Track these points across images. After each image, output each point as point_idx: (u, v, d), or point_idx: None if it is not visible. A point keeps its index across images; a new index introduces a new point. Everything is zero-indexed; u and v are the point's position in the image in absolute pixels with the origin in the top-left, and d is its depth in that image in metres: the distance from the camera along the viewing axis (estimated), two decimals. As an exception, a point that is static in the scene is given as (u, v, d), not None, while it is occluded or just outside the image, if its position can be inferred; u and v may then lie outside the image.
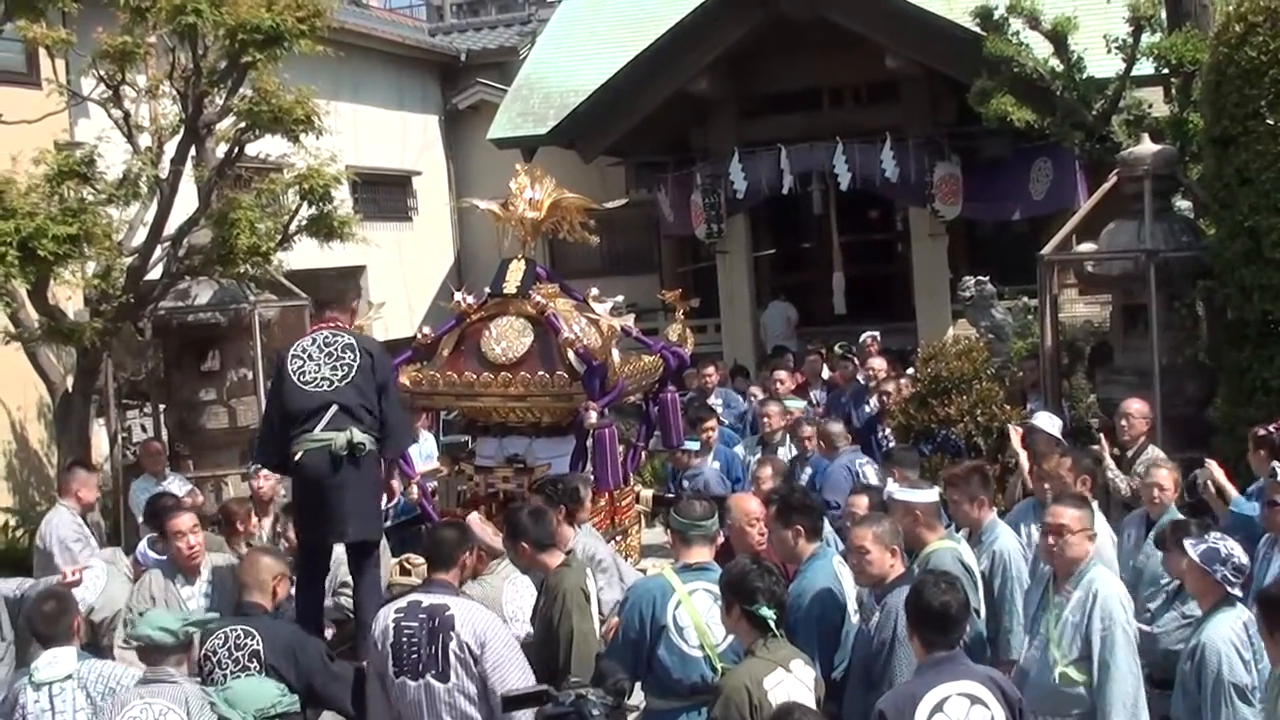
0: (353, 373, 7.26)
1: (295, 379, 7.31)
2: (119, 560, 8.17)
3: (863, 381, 12.88)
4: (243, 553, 7.92)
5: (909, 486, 7.05)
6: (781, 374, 12.96)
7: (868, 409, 12.11)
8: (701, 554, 6.33)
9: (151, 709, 5.46)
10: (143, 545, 8.12)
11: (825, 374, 14.39)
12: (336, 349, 7.32)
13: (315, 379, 7.27)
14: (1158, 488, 7.70)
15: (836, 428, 10.15)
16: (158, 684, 5.60)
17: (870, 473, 9.78)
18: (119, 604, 7.56)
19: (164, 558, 7.65)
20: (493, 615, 5.95)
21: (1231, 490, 8.26)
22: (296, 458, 7.26)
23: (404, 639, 5.75)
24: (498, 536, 7.13)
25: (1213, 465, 8.36)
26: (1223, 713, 5.75)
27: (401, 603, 5.92)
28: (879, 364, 12.85)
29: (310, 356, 7.32)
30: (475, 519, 7.69)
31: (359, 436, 7.16)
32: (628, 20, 20.37)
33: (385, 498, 8.21)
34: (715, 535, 6.47)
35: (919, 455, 9.72)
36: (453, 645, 5.67)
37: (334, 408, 7.20)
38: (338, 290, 7.84)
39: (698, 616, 6.07)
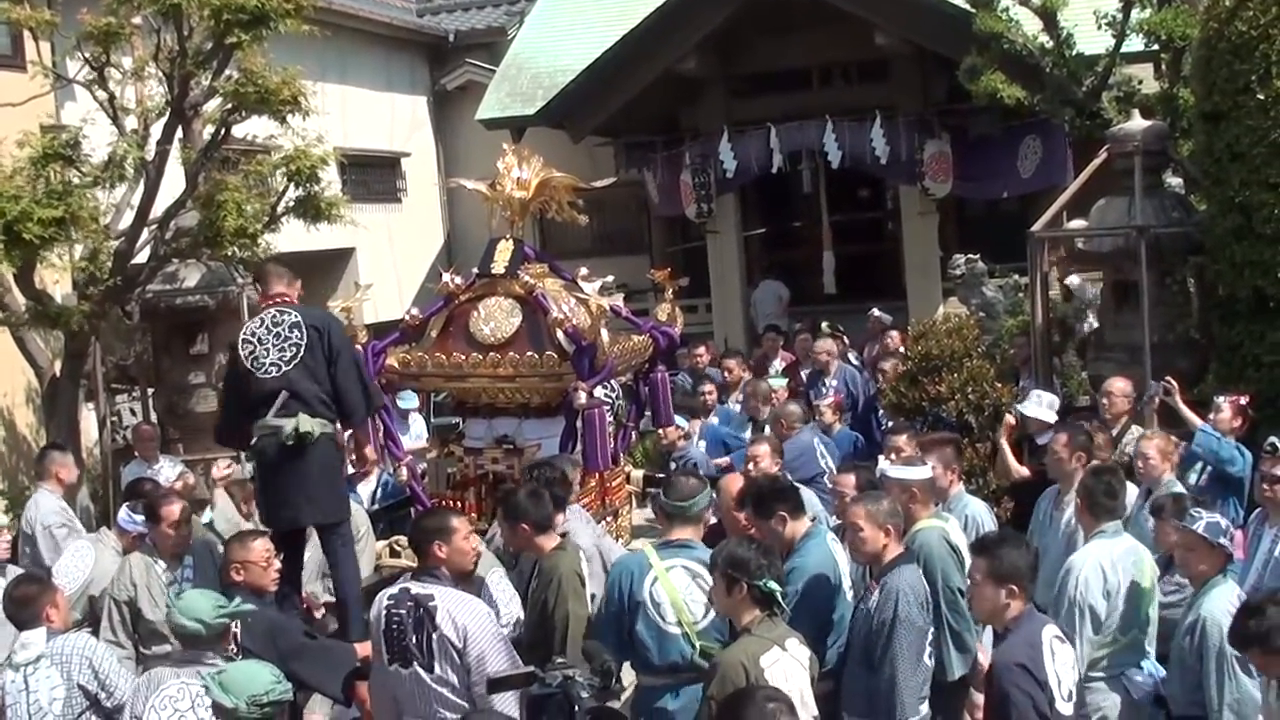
0: (300, 353, 7.19)
1: (247, 365, 7.28)
2: (106, 537, 8.16)
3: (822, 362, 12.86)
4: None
5: (903, 463, 7.06)
6: (731, 362, 12.93)
7: (824, 389, 12.11)
8: (684, 532, 6.29)
9: (189, 689, 5.44)
10: (123, 512, 8.11)
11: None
12: (284, 329, 7.24)
13: (265, 364, 7.23)
14: (1142, 457, 7.81)
15: (795, 408, 10.21)
16: (195, 665, 5.54)
17: (825, 452, 9.86)
18: (109, 577, 7.57)
19: (143, 526, 7.69)
20: (477, 606, 5.88)
21: (1190, 414, 8.72)
22: (254, 443, 7.30)
23: (394, 627, 5.74)
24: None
25: (1174, 385, 8.89)
26: (1226, 685, 5.80)
27: (394, 589, 5.91)
28: (824, 345, 12.82)
29: (260, 340, 7.27)
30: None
31: (305, 425, 7.14)
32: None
33: (358, 464, 8.15)
34: (700, 515, 6.41)
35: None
36: (436, 637, 5.66)
37: (284, 394, 7.18)
38: (280, 269, 7.71)
39: (675, 593, 6.06)
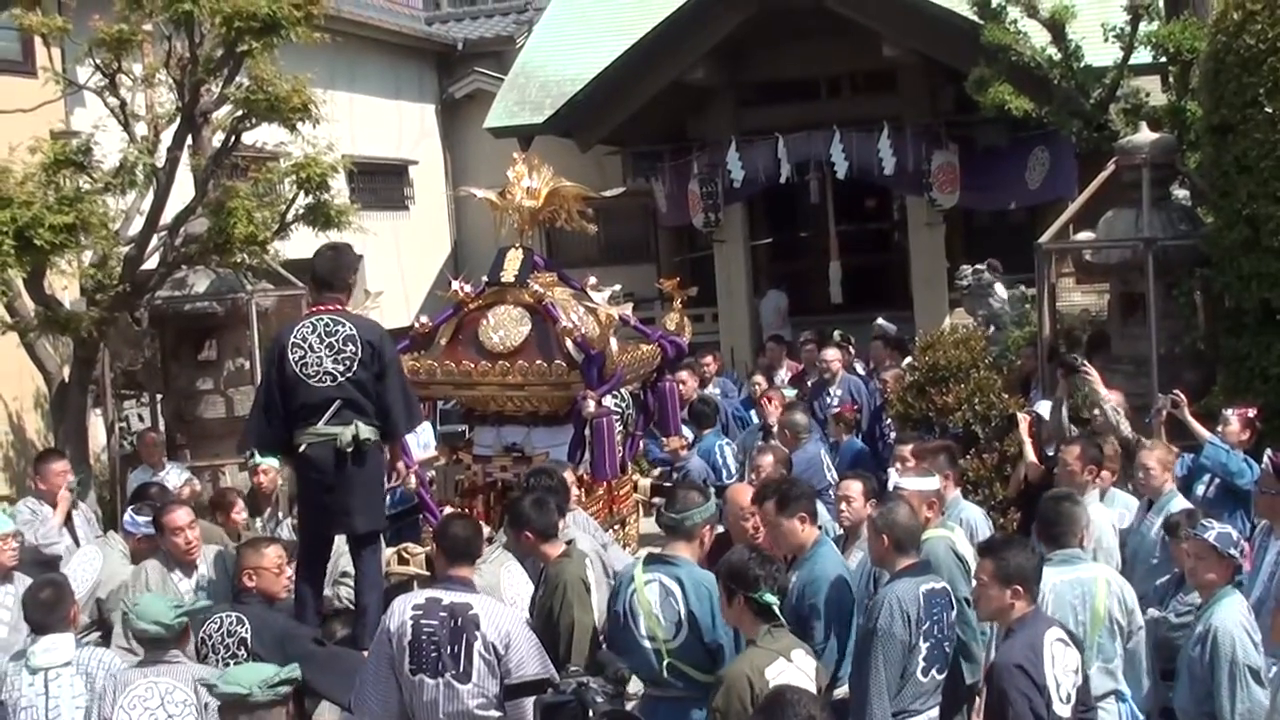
0: (354, 365, 7.15)
1: (297, 370, 7.18)
2: (113, 541, 8.19)
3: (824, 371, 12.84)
4: (236, 541, 8.00)
5: (911, 475, 7.08)
6: (682, 374, 12.58)
7: (829, 400, 12.12)
8: (676, 547, 6.21)
9: (158, 687, 5.53)
10: (127, 515, 8.13)
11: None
12: (338, 340, 7.16)
13: (318, 373, 7.15)
14: (1143, 469, 7.78)
15: (801, 418, 10.23)
16: (161, 664, 5.65)
17: (830, 464, 9.88)
18: (117, 580, 7.60)
19: (151, 529, 7.72)
20: (514, 611, 5.91)
21: (1199, 427, 8.67)
22: (300, 449, 7.21)
23: (424, 637, 5.67)
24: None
25: (1182, 398, 8.80)
26: (1238, 694, 5.80)
27: (419, 598, 5.84)
28: (830, 355, 12.83)
29: (311, 347, 7.17)
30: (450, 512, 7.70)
31: (364, 432, 7.13)
32: (624, 8, 20.34)
33: (393, 477, 8.21)
34: (695, 531, 6.27)
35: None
36: (478, 645, 5.62)
37: (338, 402, 7.13)
38: (333, 268, 7.67)
39: (649, 607, 6.02)
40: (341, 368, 7.15)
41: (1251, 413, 8.63)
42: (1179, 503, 7.57)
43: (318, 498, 7.33)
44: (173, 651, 5.70)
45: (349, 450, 7.10)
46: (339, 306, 7.38)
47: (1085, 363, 9.22)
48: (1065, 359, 9.19)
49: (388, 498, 9.90)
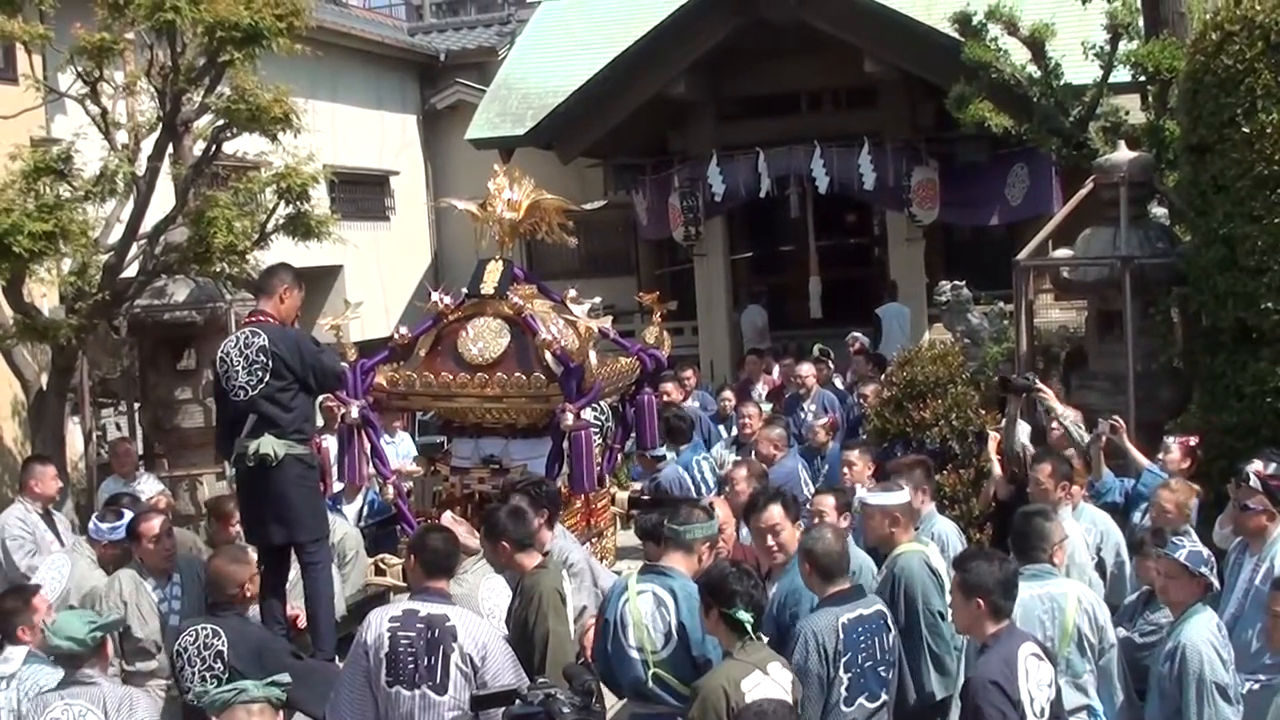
0: (266, 376, 7.26)
1: (223, 385, 7.38)
2: (80, 547, 8.17)
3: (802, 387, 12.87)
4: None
5: (879, 490, 7.09)
6: (668, 387, 12.62)
7: (803, 415, 12.14)
8: (673, 559, 6.18)
9: (71, 710, 5.48)
10: (92, 523, 8.12)
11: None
12: (252, 353, 7.30)
13: (234, 387, 7.32)
14: (1158, 509, 7.65)
15: (777, 432, 10.26)
16: (77, 686, 5.61)
17: (808, 479, 9.90)
18: (87, 586, 7.58)
19: (119, 531, 7.73)
20: (491, 625, 5.92)
21: (1137, 454, 8.69)
22: (232, 461, 7.48)
23: (400, 648, 5.65)
24: (472, 535, 7.13)
25: (1121, 424, 8.80)
26: (1205, 712, 5.81)
27: (395, 610, 5.83)
28: (804, 370, 12.86)
29: (231, 361, 7.34)
30: (449, 517, 7.67)
31: (266, 448, 7.21)
32: (607, 22, 20.41)
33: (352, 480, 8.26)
34: (693, 544, 6.20)
35: (892, 458, 9.76)
36: (454, 657, 5.60)
37: (252, 416, 7.27)
38: (265, 274, 7.78)
39: (639, 617, 6.00)
40: (254, 380, 7.29)
41: (1193, 441, 8.68)
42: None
43: (244, 509, 7.61)
44: (87, 671, 5.61)
45: (251, 465, 7.23)
46: (260, 317, 7.48)
47: (1038, 381, 9.26)
48: (1015, 382, 9.18)
49: (365, 509, 9.95)
